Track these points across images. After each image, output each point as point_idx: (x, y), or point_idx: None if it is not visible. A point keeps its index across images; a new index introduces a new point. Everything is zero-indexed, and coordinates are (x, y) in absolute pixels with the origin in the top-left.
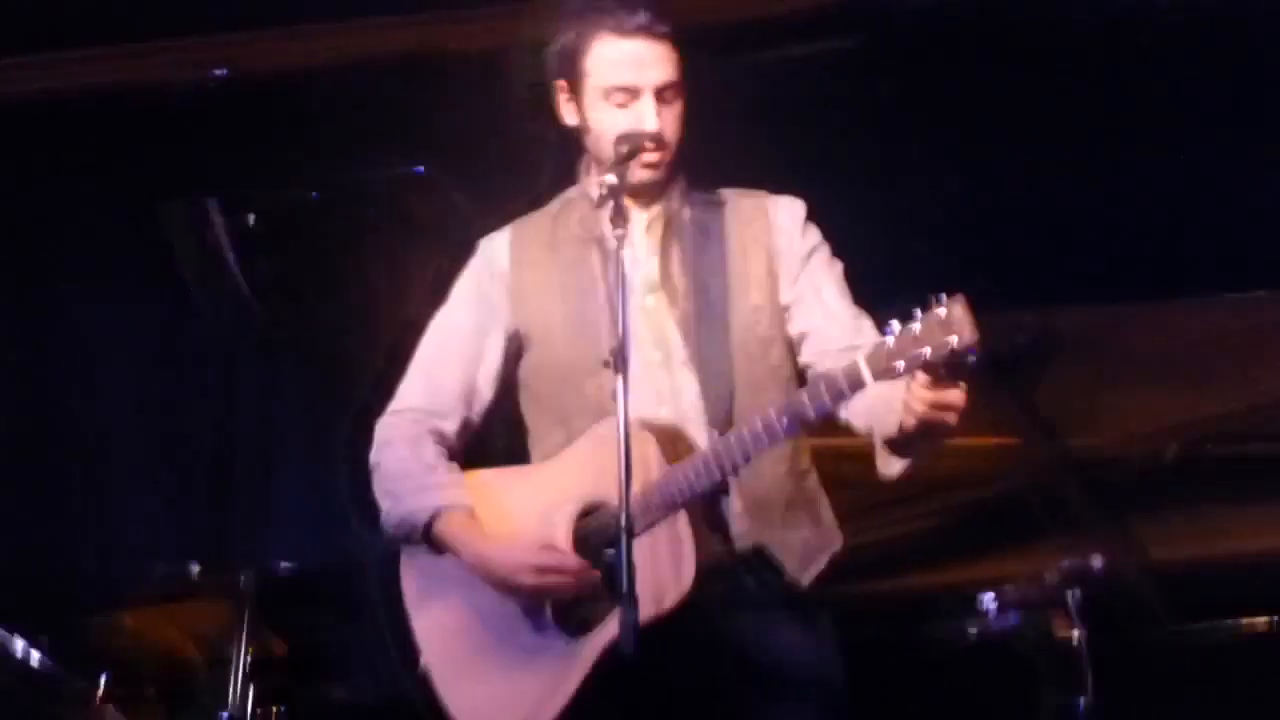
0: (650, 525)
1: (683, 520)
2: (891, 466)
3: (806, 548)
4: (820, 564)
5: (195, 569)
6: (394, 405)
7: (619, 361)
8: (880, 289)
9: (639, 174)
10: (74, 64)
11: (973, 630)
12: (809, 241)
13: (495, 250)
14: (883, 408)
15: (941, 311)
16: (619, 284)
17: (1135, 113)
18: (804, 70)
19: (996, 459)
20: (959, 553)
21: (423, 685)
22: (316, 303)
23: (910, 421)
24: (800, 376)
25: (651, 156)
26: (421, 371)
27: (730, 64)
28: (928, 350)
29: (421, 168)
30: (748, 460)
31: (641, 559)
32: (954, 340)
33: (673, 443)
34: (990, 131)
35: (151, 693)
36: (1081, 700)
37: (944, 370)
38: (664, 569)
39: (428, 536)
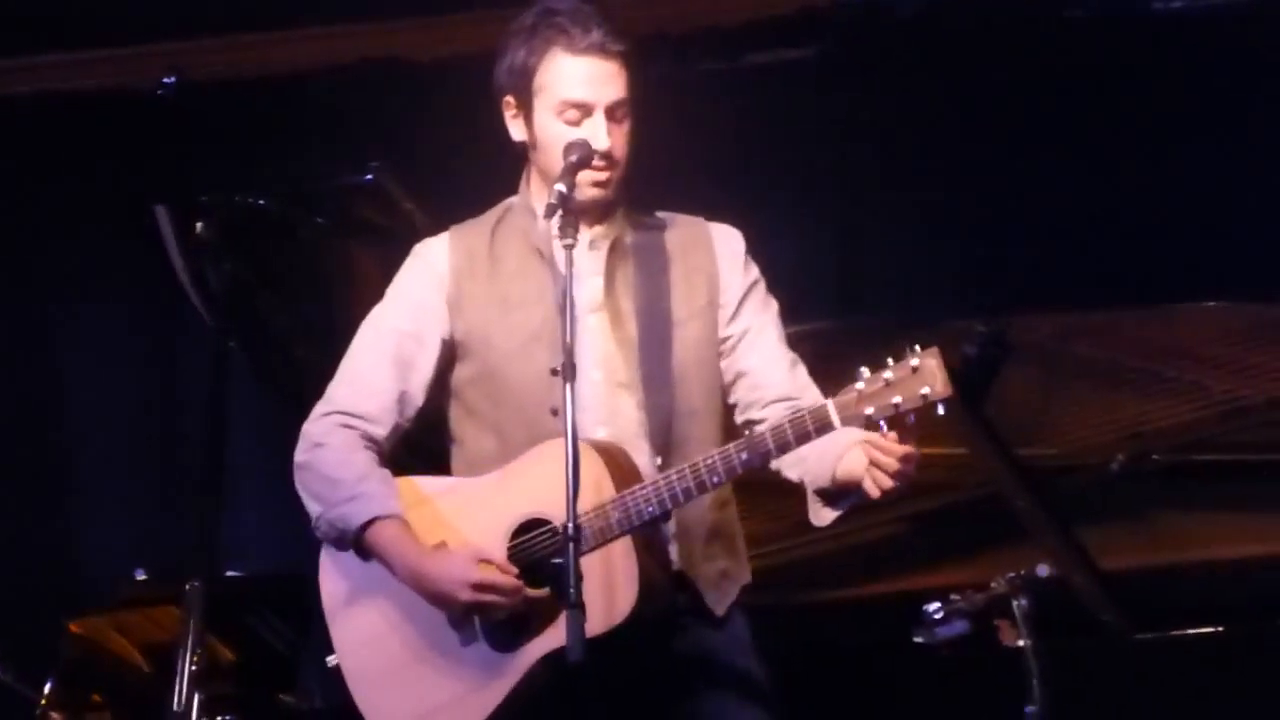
0: (599, 546)
1: (625, 542)
2: (823, 517)
3: (723, 580)
4: (733, 596)
5: (141, 575)
6: (324, 406)
7: (566, 370)
8: (831, 298)
9: (588, 192)
10: (24, 70)
11: (918, 639)
12: (750, 275)
13: (433, 255)
14: (815, 459)
15: (915, 362)
16: (567, 294)
17: (1086, 123)
18: (774, 78)
19: (945, 469)
20: (908, 562)
21: (336, 684)
22: (268, 310)
23: (883, 479)
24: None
25: (600, 175)
26: (353, 374)
27: (703, 72)
28: (900, 399)
29: (370, 175)
30: (702, 492)
31: (585, 579)
32: (926, 391)
33: (619, 465)
34: (937, 142)
35: (98, 699)
36: (1029, 709)
37: (910, 420)
38: (607, 588)
39: (358, 543)
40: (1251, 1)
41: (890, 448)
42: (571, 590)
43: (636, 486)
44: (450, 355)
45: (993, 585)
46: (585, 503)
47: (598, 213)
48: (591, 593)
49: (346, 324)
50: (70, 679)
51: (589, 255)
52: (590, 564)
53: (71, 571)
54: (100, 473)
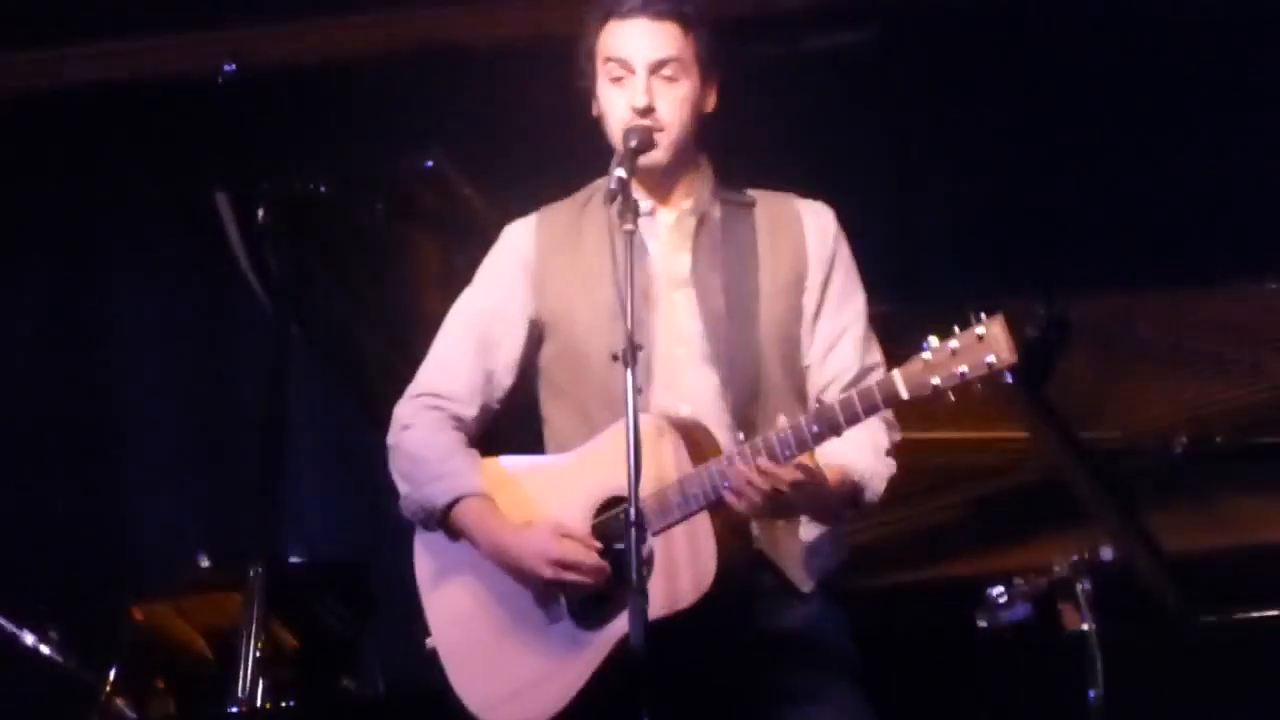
0: (672, 524)
1: (704, 521)
2: (809, 531)
3: (810, 556)
4: (823, 571)
5: (204, 561)
6: (413, 389)
7: (627, 356)
8: (890, 282)
9: (644, 160)
10: (84, 58)
11: (981, 623)
12: (838, 256)
13: (519, 236)
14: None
15: (980, 330)
16: (627, 281)
17: (1144, 102)
18: (814, 65)
19: (1006, 452)
20: (971, 546)
21: (432, 663)
22: (328, 296)
23: (735, 494)
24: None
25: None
26: (441, 356)
27: (762, 55)
28: (965, 368)
29: (429, 161)
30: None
31: (661, 557)
32: (992, 359)
33: (698, 441)
34: (997, 123)
35: (161, 685)
36: (1093, 693)
37: (980, 387)
38: (683, 569)
39: (444, 522)
40: None
41: (741, 470)
42: (634, 576)
43: (710, 462)
44: (538, 335)
45: (1055, 569)
46: (661, 479)
47: (679, 185)
48: (674, 569)
49: (406, 309)
50: (134, 665)
51: (677, 229)
52: (671, 541)
53: (134, 557)
54: (162, 458)
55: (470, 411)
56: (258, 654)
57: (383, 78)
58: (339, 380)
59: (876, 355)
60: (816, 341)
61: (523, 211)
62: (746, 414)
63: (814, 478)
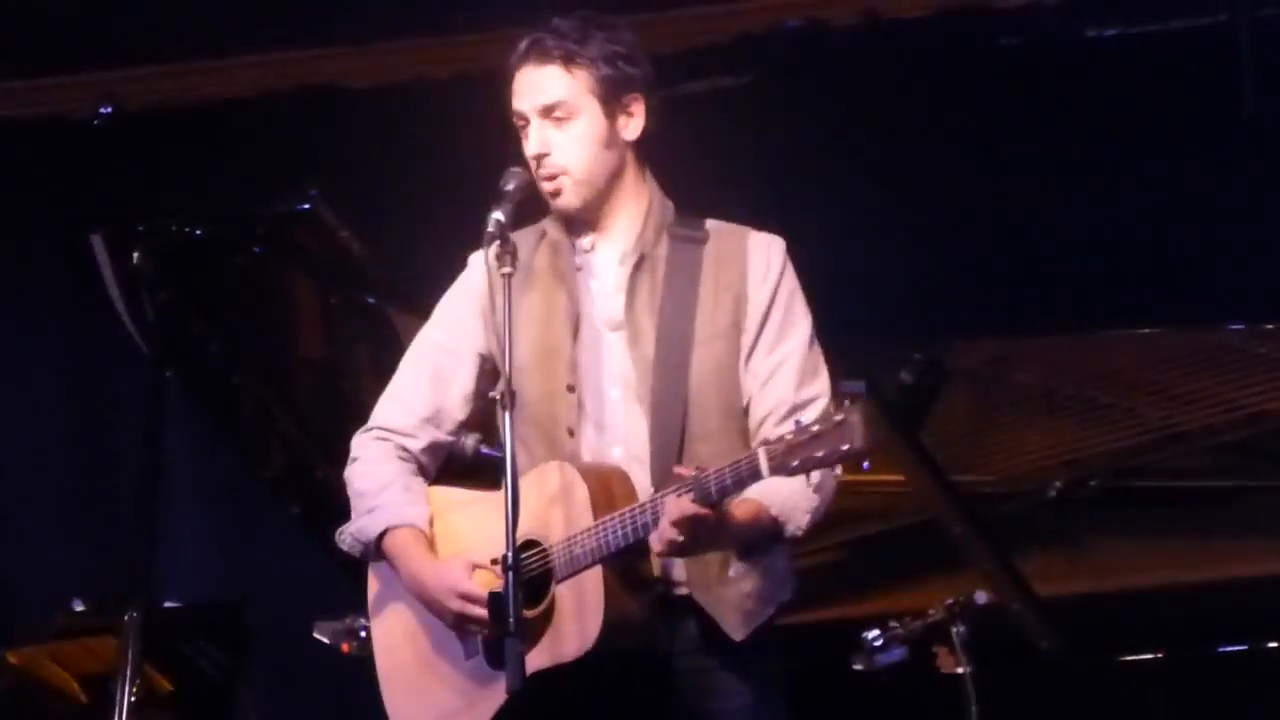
0: (575, 573)
1: (595, 575)
2: (737, 569)
3: (748, 600)
4: (762, 617)
5: (78, 606)
6: (368, 424)
7: (505, 400)
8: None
9: (552, 202)
10: None
11: (857, 666)
12: (781, 290)
13: (475, 268)
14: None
15: (839, 416)
16: (505, 329)
17: (1020, 151)
18: (710, 106)
19: (882, 495)
20: (847, 589)
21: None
22: (204, 337)
23: (667, 533)
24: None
25: (547, 183)
26: (395, 390)
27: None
28: (822, 453)
29: (306, 203)
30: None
31: (561, 606)
32: (847, 447)
33: (610, 491)
34: (869, 172)
35: None
36: None
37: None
38: (570, 622)
39: (377, 554)
40: (1170, 32)
41: (682, 506)
42: (511, 619)
43: (609, 516)
44: (490, 368)
45: (931, 612)
46: (565, 529)
47: (621, 222)
48: (564, 621)
49: (283, 351)
50: (7, 710)
51: (616, 270)
52: (568, 593)
53: (7, 602)
54: (35, 502)
55: (418, 443)
56: (132, 698)
57: (260, 119)
58: (215, 422)
59: (817, 387)
60: (754, 376)
61: (404, 253)
62: (670, 461)
63: (706, 521)
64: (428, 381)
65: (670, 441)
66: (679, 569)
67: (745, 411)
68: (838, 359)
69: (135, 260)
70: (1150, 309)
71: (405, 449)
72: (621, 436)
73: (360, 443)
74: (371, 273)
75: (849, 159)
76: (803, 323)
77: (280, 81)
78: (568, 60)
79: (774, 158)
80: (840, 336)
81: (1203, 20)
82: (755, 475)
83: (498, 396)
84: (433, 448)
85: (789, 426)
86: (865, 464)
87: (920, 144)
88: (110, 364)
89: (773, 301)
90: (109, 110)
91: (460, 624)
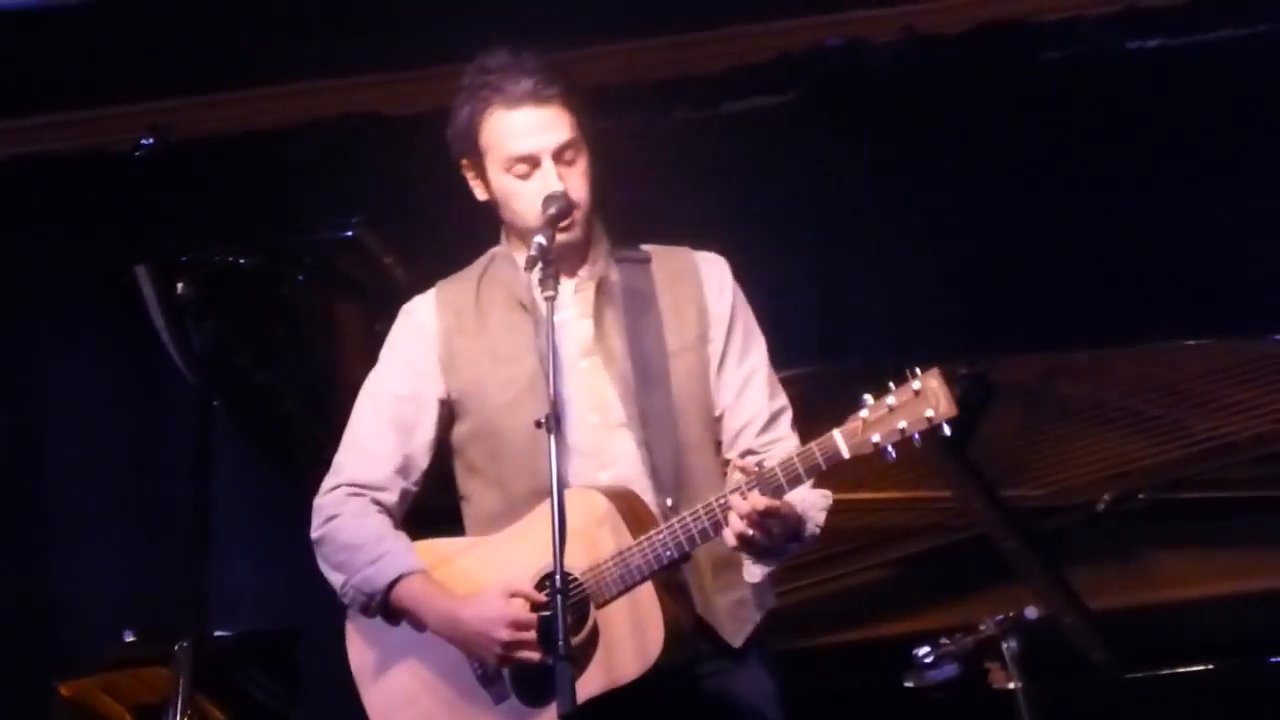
0: (617, 596)
1: (648, 590)
2: (753, 573)
3: (740, 608)
4: (752, 624)
5: (130, 637)
6: (332, 479)
7: (550, 423)
8: (814, 342)
9: (557, 237)
10: (1, 134)
11: (909, 684)
12: (737, 307)
13: (421, 315)
14: None
15: (916, 385)
16: (550, 347)
17: (1063, 164)
18: (751, 126)
19: (931, 512)
20: (897, 607)
21: None
22: (251, 367)
23: (740, 529)
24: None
25: (562, 221)
26: (358, 443)
27: (680, 120)
28: (904, 424)
29: (351, 231)
30: (718, 533)
31: (606, 631)
32: (931, 413)
33: (633, 508)
34: (919, 185)
35: None
36: None
37: (919, 442)
38: (626, 642)
39: (385, 604)
40: (1211, 42)
41: (753, 502)
42: (560, 641)
43: (653, 531)
44: (449, 414)
45: (981, 628)
46: (603, 551)
47: (578, 255)
48: (618, 643)
49: (329, 379)
50: None
51: (575, 299)
52: (615, 615)
53: (60, 634)
54: (87, 533)
55: (392, 497)
56: None
57: (302, 147)
58: (262, 451)
59: (783, 398)
60: (726, 389)
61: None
62: (669, 474)
63: (778, 512)
64: (391, 431)
65: (669, 456)
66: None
67: (718, 420)
68: (888, 376)
69: (180, 291)
70: (1196, 320)
71: (380, 503)
72: (607, 460)
73: (335, 500)
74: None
75: (891, 176)
76: (760, 338)
77: (323, 110)
78: (567, 98)
79: (816, 176)
80: (885, 351)
81: (1244, 31)
82: (833, 459)
83: (542, 419)
84: (403, 499)
85: (771, 435)
86: (947, 429)
87: (962, 159)
88: (160, 395)
89: (734, 314)
90: (151, 142)
91: (509, 656)
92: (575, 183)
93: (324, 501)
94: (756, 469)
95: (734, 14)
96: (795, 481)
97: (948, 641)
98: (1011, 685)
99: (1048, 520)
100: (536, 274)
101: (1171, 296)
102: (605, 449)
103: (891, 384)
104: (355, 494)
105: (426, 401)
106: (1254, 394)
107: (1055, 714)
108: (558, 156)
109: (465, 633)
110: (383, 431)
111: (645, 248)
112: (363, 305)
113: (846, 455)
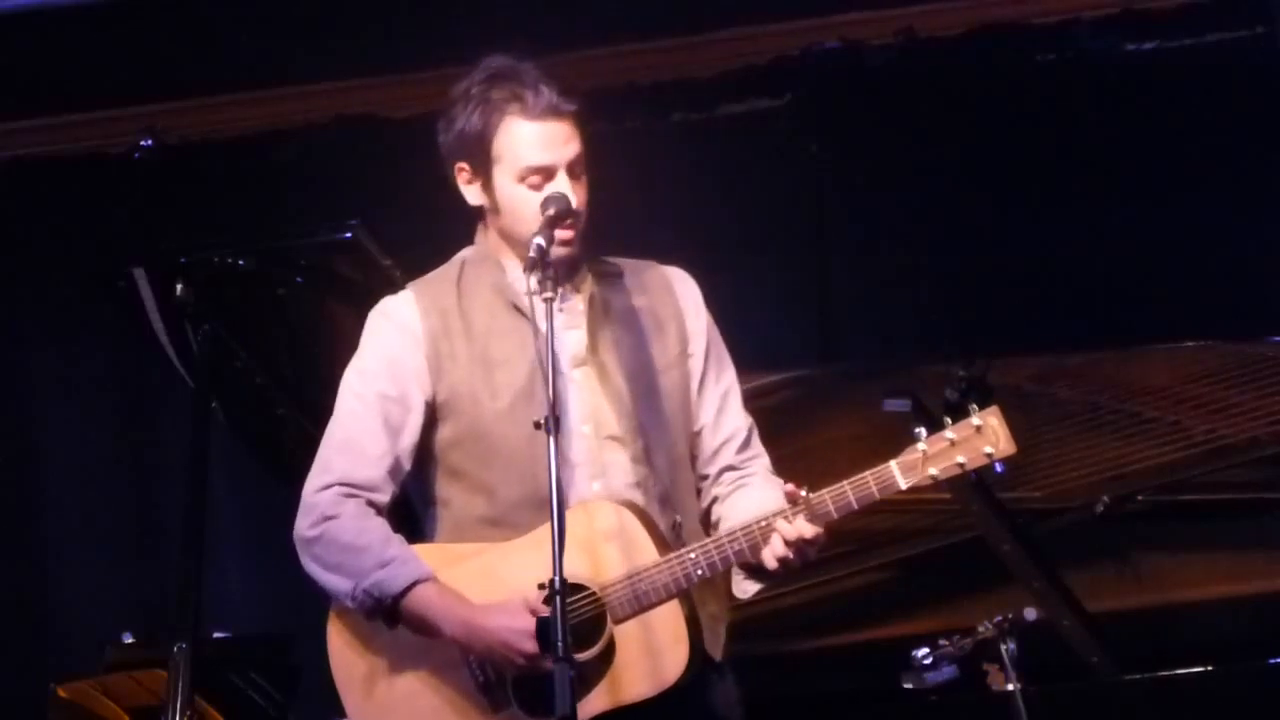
0: (636, 613)
1: (673, 611)
2: (745, 589)
3: (715, 623)
4: (723, 637)
5: (128, 639)
6: (324, 477)
7: (549, 424)
8: (810, 344)
9: (557, 250)
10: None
11: (907, 685)
12: (710, 324)
13: (405, 316)
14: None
15: (977, 421)
16: (548, 350)
17: (1059, 167)
18: (748, 128)
19: (928, 514)
20: (895, 608)
21: None
22: (248, 369)
23: (783, 553)
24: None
25: (567, 233)
26: (350, 442)
27: (677, 123)
28: (964, 459)
29: (348, 233)
30: (755, 555)
31: (623, 645)
32: (990, 450)
33: (653, 525)
34: (915, 187)
35: None
36: None
37: (973, 476)
38: (642, 660)
39: (395, 609)
40: (1208, 45)
41: (800, 529)
42: (559, 644)
43: (685, 550)
44: (432, 418)
45: (980, 630)
46: (619, 568)
47: (567, 267)
48: (629, 662)
49: (327, 382)
50: None
51: (566, 307)
52: (633, 629)
53: (58, 636)
54: (84, 535)
55: (384, 499)
56: None
57: (300, 150)
58: (259, 454)
59: (748, 414)
60: (707, 405)
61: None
62: (661, 487)
63: (818, 541)
64: (382, 432)
65: (664, 468)
66: None
67: (696, 435)
68: (886, 377)
69: (178, 293)
70: (1192, 322)
71: (375, 504)
72: (598, 472)
73: (329, 500)
74: None
75: (887, 178)
76: (728, 354)
77: (320, 112)
78: (575, 115)
79: (813, 179)
80: (883, 352)
81: (1240, 33)
82: (888, 488)
83: (540, 421)
84: (393, 501)
85: (750, 451)
86: (1000, 468)
87: (958, 161)
88: (155, 397)
89: (709, 330)
90: (149, 144)
91: (531, 668)
92: (583, 198)
93: (316, 500)
94: (805, 497)
95: (731, 17)
96: (845, 509)
97: (946, 643)
98: (1010, 687)
99: (1046, 522)
100: (535, 277)
101: (1169, 298)
102: (598, 460)
103: (947, 419)
104: (350, 494)
105: (413, 404)
106: (1250, 396)
107: (1053, 716)
108: (570, 170)
109: (489, 641)
110: (374, 432)
111: (613, 260)
112: (360, 308)
113: (904, 487)
